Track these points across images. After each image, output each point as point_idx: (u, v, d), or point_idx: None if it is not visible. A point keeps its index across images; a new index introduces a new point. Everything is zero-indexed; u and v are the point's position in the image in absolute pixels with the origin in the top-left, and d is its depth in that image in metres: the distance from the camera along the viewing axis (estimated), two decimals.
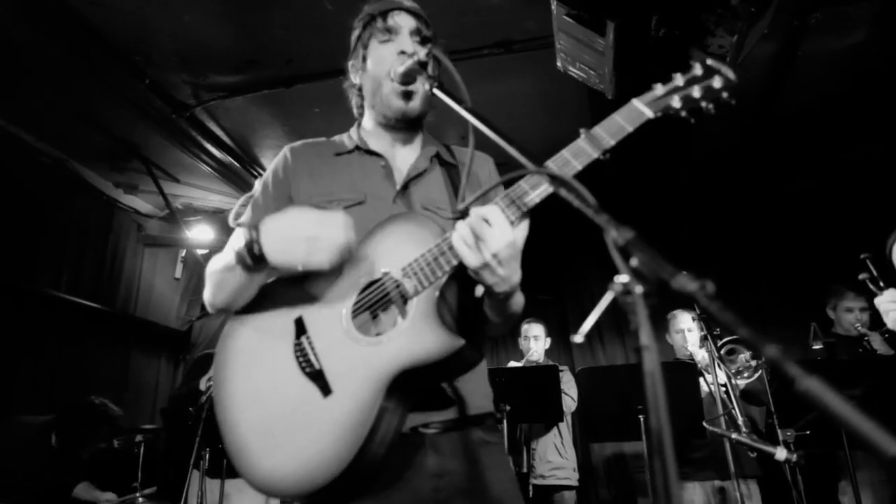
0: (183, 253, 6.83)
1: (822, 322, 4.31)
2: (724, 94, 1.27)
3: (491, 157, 1.74)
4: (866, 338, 3.83)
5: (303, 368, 1.38)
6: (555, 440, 4.71)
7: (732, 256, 6.07)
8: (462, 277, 1.38)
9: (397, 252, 1.40)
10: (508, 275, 1.31)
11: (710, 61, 1.29)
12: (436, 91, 1.42)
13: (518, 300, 1.50)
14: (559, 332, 5.85)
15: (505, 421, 3.70)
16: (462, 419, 1.46)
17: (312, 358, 1.38)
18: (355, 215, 1.46)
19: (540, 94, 4.66)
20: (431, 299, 1.35)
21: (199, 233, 6.31)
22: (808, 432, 3.23)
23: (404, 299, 1.37)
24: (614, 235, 0.92)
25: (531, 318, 4.93)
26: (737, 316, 0.83)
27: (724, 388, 3.64)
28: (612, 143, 1.29)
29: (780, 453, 2.73)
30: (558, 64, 3.22)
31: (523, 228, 1.33)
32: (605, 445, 5.77)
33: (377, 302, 1.40)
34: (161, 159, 5.51)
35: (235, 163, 5.41)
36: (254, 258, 1.35)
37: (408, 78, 1.53)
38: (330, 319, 1.41)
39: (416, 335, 1.32)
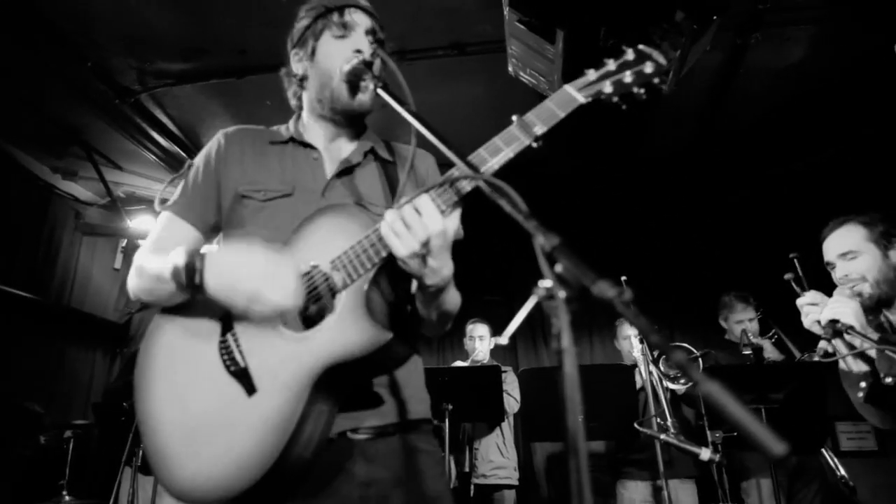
0: (123, 243, 6.60)
1: (719, 332, 4.53)
2: (655, 80, 1.30)
3: (432, 156, 1.74)
4: (754, 345, 4.04)
5: (227, 367, 1.34)
6: (497, 440, 4.77)
7: (672, 261, 6.29)
8: (393, 270, 1.36)
9: (326, 245, 1.36)
10: (439, 266, 1.30)
11: (641, 46, 1.31)
12: (380, 91, 1.43)
13: (453, 298, 1.49)
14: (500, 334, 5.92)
15: (447, 420, 3.72)
16: (395, 425, 1.44)
17: (237, 356, 1.34)
18: (282, 207, 1.48)
19: (493, 98, 4.71)
20: (360, 292, 1.32)
21: (142, 223, 6.10)
22: (734, 434, 3.37)
23: (333, 293, 1.34)
24: (541, 241, 0.95)
25: (476, 318, 4.98)
26: (650, 322, 0.88)
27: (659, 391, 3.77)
28: (544, 129, 1.29)
29: (705, 454, 2.86)
30: (510, 69, 3.27)
31: (454, 218, 1.31)
32: (547, 445, 5.89)
33: (305, 296, 1.35)
34: (103, 145, 5.31)
35: (182, 152, 5.27)
36: (192, 286, 1.31)
37: (353, 77, 1.53)
38: None
39: (342, 330, 1.28)
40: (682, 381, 4.01)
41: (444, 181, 1.31)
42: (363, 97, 1.57)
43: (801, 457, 3.94)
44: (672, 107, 4.54)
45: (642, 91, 1.30)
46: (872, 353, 2.11)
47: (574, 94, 1.30)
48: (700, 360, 4.09)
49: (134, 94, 4.52)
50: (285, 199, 1.53)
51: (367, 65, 1.51)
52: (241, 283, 1.28)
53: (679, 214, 6.19)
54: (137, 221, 6.12)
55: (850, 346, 2.15)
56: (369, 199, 1.57)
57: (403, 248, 1.25)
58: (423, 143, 1.38)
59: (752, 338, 4.13)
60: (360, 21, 1.59)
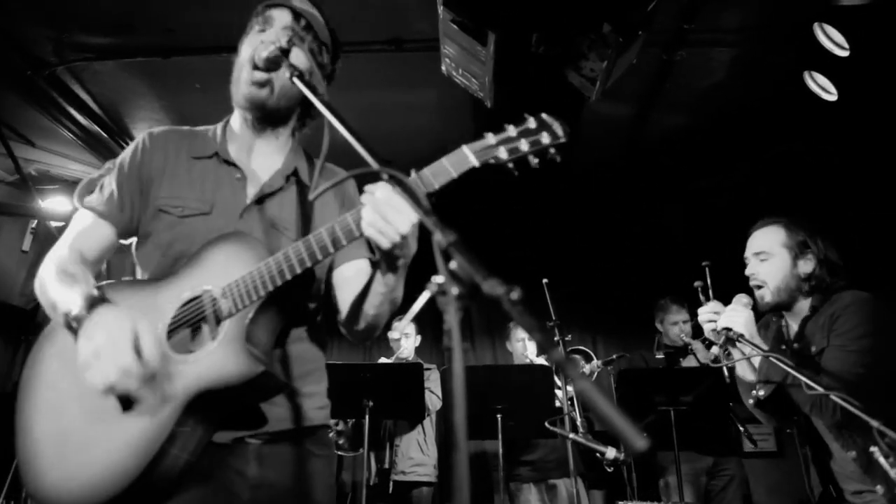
0: (34, 224, 6.21)
1: (651, 335, 4.73)
2: (551, 150, 1.34)
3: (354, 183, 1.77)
4: (690, 347, 4.24)
5: None
6: (418, 437, 4.79)
7: (597, 267, 6.49)
8: (290, 296, 1.42)
9: (222, 271, 1.40)
10: (407, 255, 1.38)
11: (544, 115, 1.36)
12: (295, 80, 1.41)
13: (398, 294, 1.54)
14: (434, 331, 5.95)
15: (367, 416, 3.71)
16: (291, 431, 1.49)
17: None
18: (199, 225, 1.51)
19: (430, 96, 4.72)
20: (242, 322, 1.36)
21: (55, 203, 5.75)
22: (644, 434, 3.51)
23: (218, 319, 1.38)
24: (438, 238, 0.96)
25: (402, 314, 4.98)
26: (535, 322, 0.90)
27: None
28: (437, 186, 1.33)
29: (610, 453, 2.97)
30: (443, 68, 3.29)
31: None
32: (469, 444, 5.93)
33: (193, 319, 1.40)
34: (13, 119, 4.98)
35: (102, 132, 5.01)
36: (69, 327, 1.34)
37: (269, 64, 1.52)
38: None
39: (219, 358, 1.33)
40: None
41: (357, 174, 1.31)
42: (265, 90, 1.57)
43: (717, 456, 4.14)
44: (600, 117, 4.68)
45: (536, 161, 1.34)
46: (757, 361, 2.24)
47: (470, 156, 1.34)
48: (615, 363, 4.24)
49: (49, 66, 4.26)
50: (203, 217, 1.54)
51: (285, 52, 1.48)
52: (91, 344, 1.28)
53: (605, 222, 6.39)
54: (50, 202, 5.77)
55: (744, 353, 2.29)
56: (284, 224, 1.59)
57: (386, 241, 1.30)
58: (334, 136, 1.37)
59: (684, 338, 4.31)
60: (279, 17, 1.63)
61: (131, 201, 1.58)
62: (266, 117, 1.64)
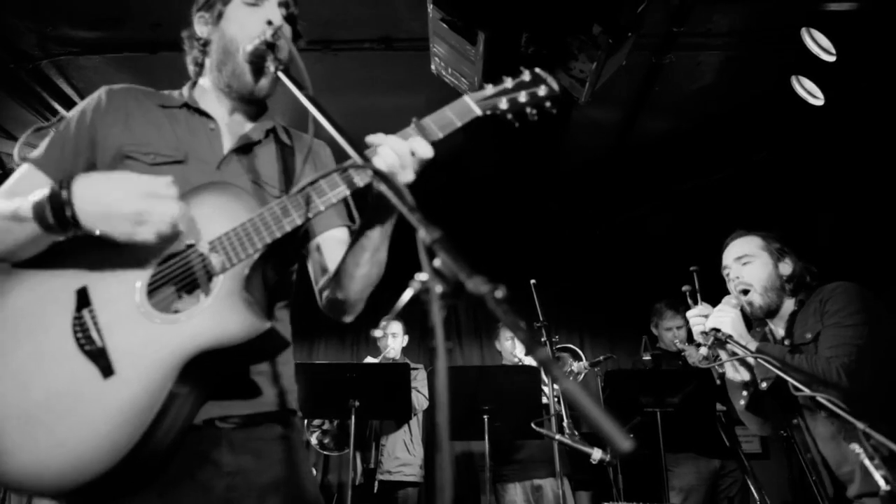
0: None
1: (652, 336, 4.74)
2: (547, 104, 1.37)
3: (328, 147, 1.70)
4: (684, 352, 4.26)
5: (81, 345, 1.21)
6: (404, 437, 4.77)
7: (585, 268, 6.51)
8: (276, 256, 1.33)
9: (206, 224, 1.29)
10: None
11: (538, 70, 1.39)
12: (280, 75, 1.39)
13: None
14: (421, 331, 5.93)
15: (353, 416, 3.69)
16: (265, 415, 1.40)
17: (94, 334, 1.22)
18: (172, 174, 1.33)
19: (420, 95, 4.70)
20: (239, 277, 1.26)
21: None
22: (631, 435, 3.52)
23: (209, 276, 1.27)
24: (422, 234, 0.94)
25: (390, 315, 4.95)
26: (519, 321, 0.89)
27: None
28: (441, 135, 1.35)
29: (596, 454, 2.96)
30: (432, 67, 3.28)
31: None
32: (455, 444, 5.94)
33: (178, 276, 1.28)
34: None
35: None
36: (61, 221, 1.17)
37: (255, 58, 1.48)
38: (120, 291, 1.25)
39: (219, 314, 1.22)
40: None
41: (339, 168, 1.32)
42: (264, 81, 1.52)
43: (722, 458, 4.15)
44: (589, 118, 4.69)
45: (534, 112, 1.38)
46: (752, 360, 2.25)
47: (472, 105, 1.37)
48: (602, 364, 4.25)
49: (33, 59, 4.19)
50: (176, 165, 1.43)
51: (270, 46, 1.45)
52: (121, 206, 1.17)
53: (592, 223, 6.40)
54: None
55: (732, 354, 2.29)
56: (266, 179, 1.52)
57: (410, 174, 1.31)
58: (320, 132, 1.35)
59: (678, 343, 4.32)
60: None
61: (79, 152, 1.43)
62: (250, 101, 1.59)
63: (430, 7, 2.82)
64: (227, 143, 1.53)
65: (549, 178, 5.75)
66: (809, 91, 3.97)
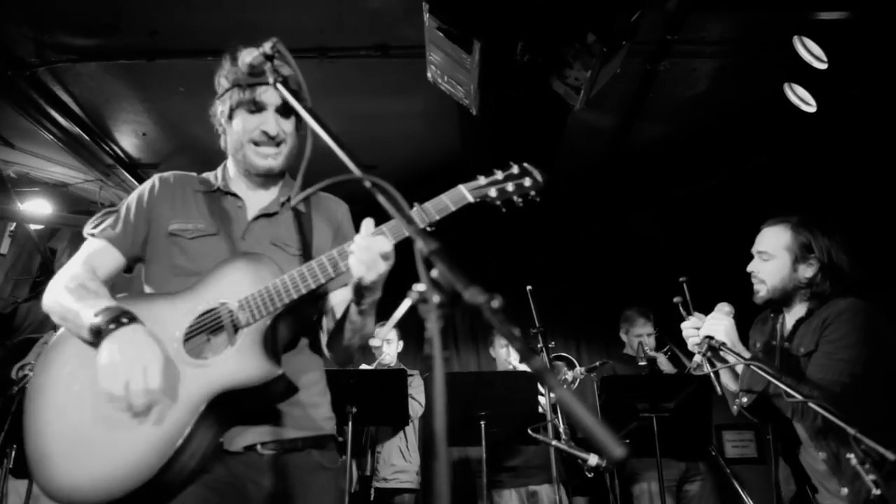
0: (12, 226, 6.11)
1: (620, 344, 4.77)
2: (532, 193, 1.63)
3: (346, 205, 1.99)
4: (657, 359, 4.30)
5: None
6: (400, 444, 4.77)
7: (580, 274, 6.53)
8: (297, 311, 1.60)
9: (236, 286, 1.57)
10: (376, 297, 1.60)
11: (525, 164, 1.65)
12: (278, 87, 1.43)
13: (372, 324, 1.72)
14: (417, 337, 5.94)
15: (350, 423, 3.69)
16: (304, 440, 1.61)
17: None
18: (207, 245, 1.71)
19: (416, 103, 4.73)
20: (261, 330, 1.52)
21: (34, 206, 5.68)
22: (627, 441, 3.54)
23: (236, 328, 1.54)
24: (420, 245, 0.96)
25: (385, 321, 4.96)
26: (515, 330, 0.91)
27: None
28: (437, 218, 1.56)
29: (593, 459, 2.97)
30: (428, 75, 3.30)
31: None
32: (451, 450, 5.94)
33: (210, 328, 1.55)
34: None
35: (84, 134, 4.93)
36: (94, 337, 1.47)
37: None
38: (161, 338, 1.50)
39: (240, 361, 1.47)
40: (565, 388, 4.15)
41: (333, 181, 1.34)
42: (275, 161, 1.79)
43: (689, 461, 4.18)
44: (584, 125, 4.72)
45: (520, 201, 1.62)
46: (740, 369, 2.27)
47: (466, 194, 1.60)
48: (598, 369, 4.27)
49: (31, 67, 4.20)
50: (210, 237, 1.73)
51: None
52: (121, 356, 1.42)
53: (587, 228, 6.43)
54: (30, 204, 5.69)
55: (725, 362, 2.32)
56: (284, 241, 1.79)
57: (371, 276, 1.49)
58: (320, 147, 1.36)
59: (648, 351, 4.35)
60: (270, 100, 1.74)
61: (138, 230, 1.77)
62: (267, 177, 1.85)
63: (427, 16, 2.85)
64: (251, 216, 1.82)
65: (545, 184, 5.77)
66: (802, 98, 4.01)
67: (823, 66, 3.62)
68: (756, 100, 4.52)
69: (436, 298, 0.90)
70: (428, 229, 1.53)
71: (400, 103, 4.75)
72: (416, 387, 4.65)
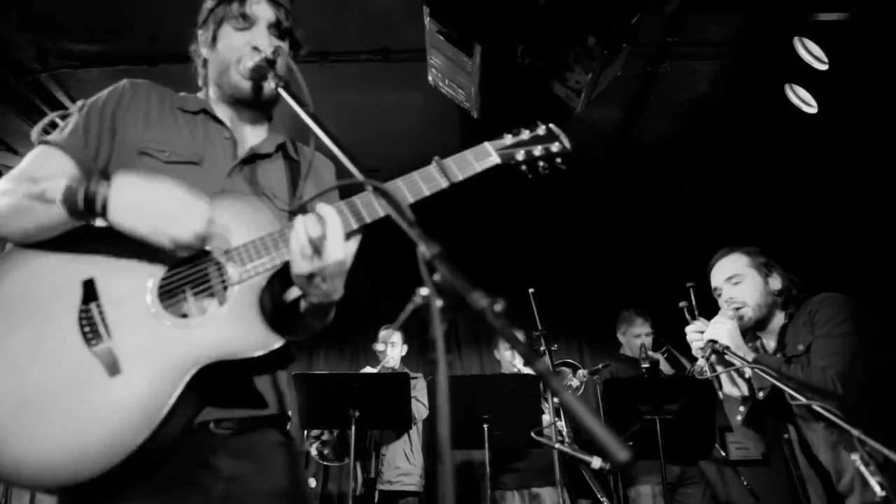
0: None
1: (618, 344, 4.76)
2: (558, 160, 1.43)
3: (332, 164, 1.71)
4: (655, 360, 4.28)
5: (87, 339, 1.19)
6: (404, 446, 4.76)
7: (581, 275, 6.52)
8: (286, 276, 1.32)
9: (223, 232, 1.29)
10: (331, 290, 1.29)
11: (552, 126, 1.44)
12: (281, 91, 1.39)
13: (330, 314, 1.48)
14: (420, 340, 5.94)
15: (354, 426, 3.68)
16: (259, 419, 1.39)
17: (101, 329, 1.20)
18: (186, 175, 1.37)
19: (417, 106, 4.74)
20: (256, 290, 1.26)
21: None
22: (630, 443, 3.53)
23: (224, 284, 1.27)
24: (422, 250, 0.96)
25: (389, 324, 4.97)
26: (517, 334, 0.91)
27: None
28: (461, 177, 1.37)
29: (596, 462, 2.97)
30: (429, 79, 3.31)
31: (353, 244, 1.30)
32: (455, 453, 5.93)
33: (192, 281, 1.27)
34: None
35: None
36: (90, 206, 1.19)
37: (256, 73, 1.50)
38: (130, 289, 1.23)
39: (234, 326, 1.22)
40: (570, 391, 4.15)
41: (344, 184, 1.32)
42: (265, 94, 1.54)
43: (683, 465, 4.16)
44: (585, 126, 4.72)
45: (546, 167, 1.43)
46: (748, 371, 2.26)
47: (491, 151, 1.41)
48: (600, 372, 4.26)
49: (33, 73, 4.22)
50: (191, 166, 1.44)
51: (271, 63, 1.47)
52: (154, 200, 1.21)
53: (588, 229, 6.42)
54: None
55: (730, 366, 2.31)
56: (273, 191, 1.53)
57: (305, 267, 1.24)
58: (320, 148, 1.36)
59: (648, 352, 4.34)
60: (263, 13, 1.55)
61: (98, 138, 1.42)
62: (256, 105, 1.60)
63: (427, 19, 2.86)
64: (241, 152, 1.55)
65: (546, 185, 5.78)
66: (803, 99, 4.01)
67: (824, 67, 3.62)
68: (757, 100, 4.53)
69: (439, 303, 0.90)
70: (449, 189, 1.35)
71: (401, 107, 4.76)
72: (419, 389, 4.65)
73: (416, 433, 4.88)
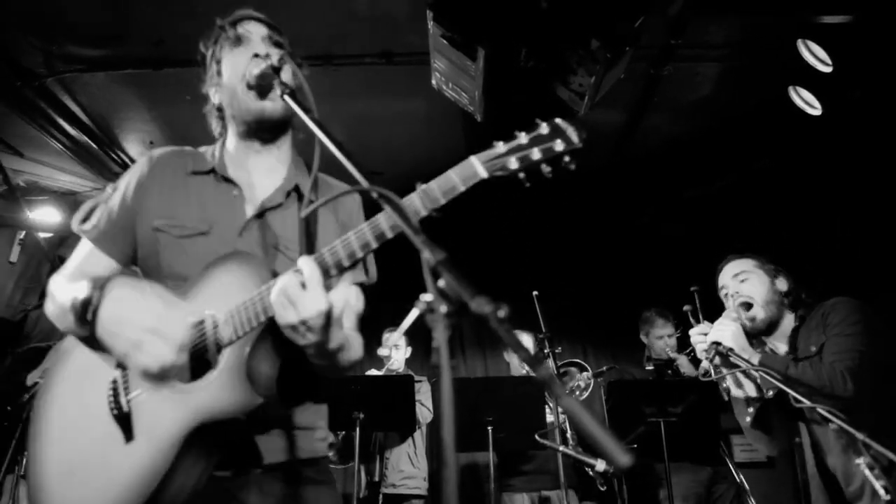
0: (22, 235, 6.15)
1: (641, 347, 4.74)
2: (566, 158, 1.19)
3: (358, 195, 1.70)
4: (676, 361, 4.27)
5: (111, 409, 1.35)
6: (408, 450, 4.76)
7: (586, 278, 6.52)
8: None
9: (226, 294, 1.34)
10: (320, 341, 1.26)
11: (557, 120, 1.22)
12: (286, 98, 1.41)
13: (345, 356, 1.43)
14: (425, 343, 5.94)
15: (358, 429, 3.69)
16: (292, 462, 1.44)
17: (122, 399, 1.35)
18: (197, 246, 1.47)
19: (421, 109, 4.75)
20: (242, 351, 1.30)
21: (44, 214, 5.73)
22: (634, 445, 3.53)
23: (218, 347, 1.32)
24: (427, 256, 0.97)
25: (393, 327, 4.97)
26: (523, 337, 0.91)
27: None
28: (443, 202, 1.23)
29: (600, 465, 2.97)
30: (433, 82, 3.32)
31: (341, 293, 1.27)
32: (459, 456, 5.90)
33: (195, 346, 1.34)
34: (2, 130, 4.94)
35: (92, 143, 4.99)
36: (85, 321, 1.34)
37: (262, 80, 1.51)
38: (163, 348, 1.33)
39: (218, 389, 1.29)
40: (576, 394, 4.15)
41: (341, 195, 1.31)
42: (271, 103, 1.55)
43: (715, 466, 4.15)
44: (588, 129, 4.72)
45: (549, 170, 1.20)
46: (755, 373, 2.26)
47: (478, 167, 1.22)
48: (605, 374, 4.26)
49: (39, 77, 4.25)
50: (201, 237, 1.50)
51: (276, 70, 1.48)
52: (129, 329, 1.29)
53: (591, 232, 6.42)
54: (39, 213, 5.73)
55: (734, 368, 2.31)
56: (285, 242, 1.53)
57: (284, 317, 1.23)
58: (326, 156, 1.37)
59: (670, 353, 4.32)
60: (255, 30, 1.63)
61: (126, 228, 1.55)
62: (271, 131, 1.62)
63: (431, 23, 2.87)
64: (251, 209, 1.56)
65: (549, 188, 5.78)
66: (807, 101, 4.00)
67: (828, 70, 3.61)
68: (761, 102, 4.52)
69: (443, 308, 0.90)
70: (434, 215, 1.23)
71: (404, 110, 4.77)
72: (424, 392, 4.66)
73: (420, 436, 4.88)
